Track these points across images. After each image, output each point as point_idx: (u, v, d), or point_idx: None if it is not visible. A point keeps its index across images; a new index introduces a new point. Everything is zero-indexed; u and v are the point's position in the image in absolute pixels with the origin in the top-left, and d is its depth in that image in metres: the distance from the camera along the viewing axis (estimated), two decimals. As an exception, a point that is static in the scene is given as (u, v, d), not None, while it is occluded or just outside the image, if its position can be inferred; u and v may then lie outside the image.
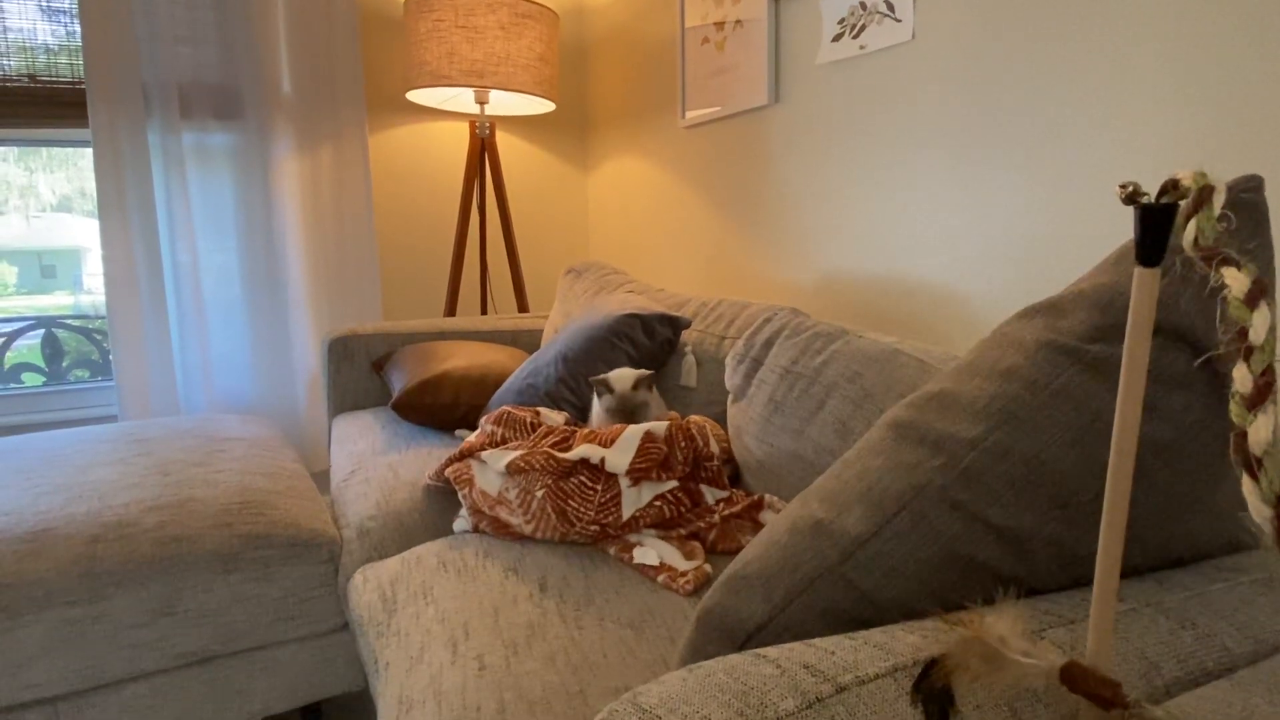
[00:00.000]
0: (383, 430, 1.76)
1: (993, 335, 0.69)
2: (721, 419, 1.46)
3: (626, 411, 1.35)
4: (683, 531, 1.11)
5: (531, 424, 1.33)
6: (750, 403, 1.29)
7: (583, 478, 1.13)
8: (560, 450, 1.19)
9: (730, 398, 1.39)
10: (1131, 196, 0.42)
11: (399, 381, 1.78)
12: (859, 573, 0.58)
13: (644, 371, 1.38)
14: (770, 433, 1.22)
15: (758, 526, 1.13)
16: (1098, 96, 1.24)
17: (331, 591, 1.21)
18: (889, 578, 0.57)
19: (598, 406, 1.41)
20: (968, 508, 0.57)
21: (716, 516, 1.13)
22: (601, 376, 1.39)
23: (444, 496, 1.34)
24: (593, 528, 1.10)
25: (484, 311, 2.81)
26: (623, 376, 1.39)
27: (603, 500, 1.11)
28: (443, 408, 1.68)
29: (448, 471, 1.26)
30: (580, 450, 1.16)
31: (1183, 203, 0.42)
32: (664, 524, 1.13)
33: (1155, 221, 0.41)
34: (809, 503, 0.66)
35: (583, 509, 1.10)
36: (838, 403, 1.12)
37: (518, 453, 1.19)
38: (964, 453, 0.58)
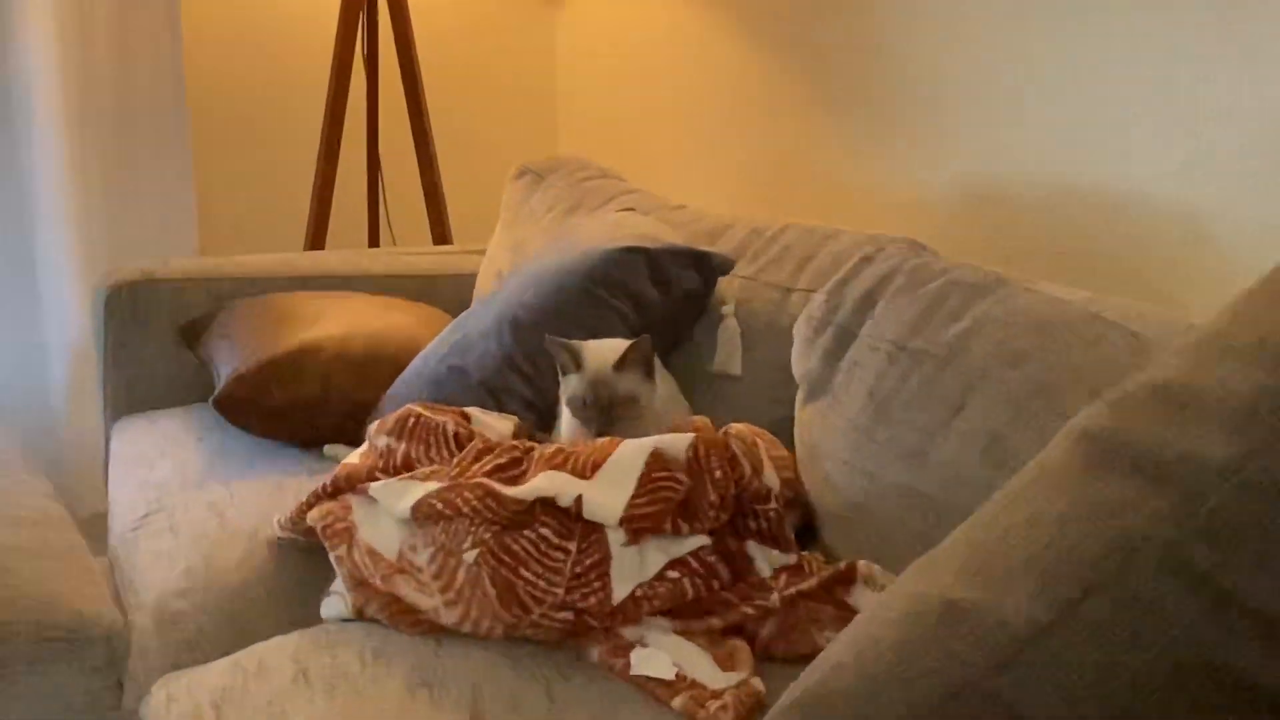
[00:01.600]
0: (200, 445, 1.77)
1: (1262, 287, 0.69)
2: (784, 430, 1.46)
3: (601, 407, 1.36)
4: (717, 623, 1.12)
5: (457, 436, 1.34)
6: (835, 402, 1.31)
7: (545, 530, 1.14)
8: (507, 482, 1.20)
9: (800, 394, 1.41)
10: None
11: (228, 362, 1.79)
12: (1024, 690, 0.58)
13: (634, 341, 1.38)
14: (869, 453, 1.23)
15: (846, 615, 1.13)
16: None
17: (113, 718, 1.22)
18: (1074, 698, 0.57)
19: (567, 411, 1.41)
20: (1214, 581, 0.57)
21: (775, 597, 1.13)
22: (566, 340, 1.40)
23: (305, 558, 1.35)
24: (562, 616, 1.10)
25: (374, 243, 2.81)
26: (601, 348, 1.40)
27: (579, 569, 1.12)
28: (302, 407, 1.70)
29: (311, 516, 1.27)
30: (541, 483, 1.17)
31: None
32: (685, 610, 1.14)
33: None
34: (938, 573, 0.66)
35: (545, 584, 1.11)
36: (987, 402, 1.13)
37: (433, 486, 1.20)
38: (1209, 487, 0.59)
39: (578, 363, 1.38)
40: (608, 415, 1.36)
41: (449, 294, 2.23)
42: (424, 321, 1.94)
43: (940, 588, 0.64)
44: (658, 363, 1.48)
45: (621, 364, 1.37)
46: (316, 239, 2.54)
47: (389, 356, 1.77)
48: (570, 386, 1.38)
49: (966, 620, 0.61)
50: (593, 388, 1.36)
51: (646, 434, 1.37)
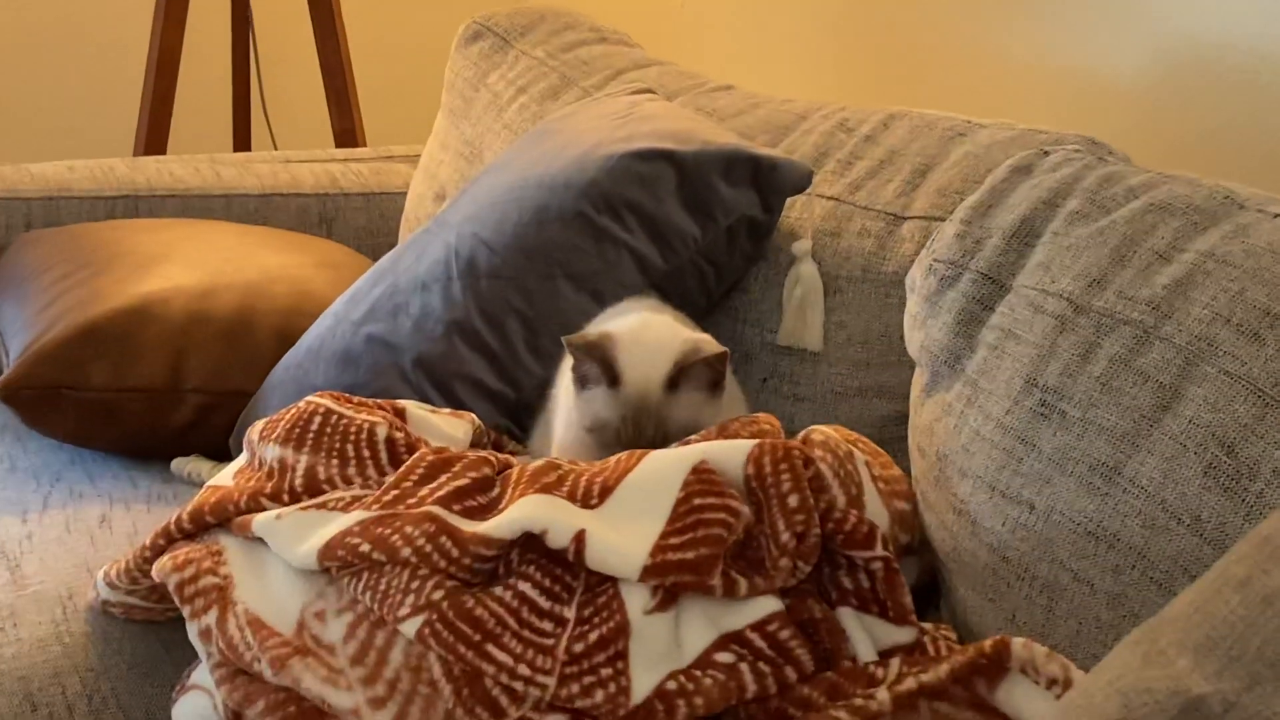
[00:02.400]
0: (-19, 457, 1.80)
1: None
2: (892, 436, 1.46)
3: (641, 444, 1.33)
4: (791, 733, 1.13)
5: (391, 444, 1.34)
6: (974, 393, 1.31)
7: (527, 587, 1.15)
8: (470, 514, 1.20)
9: (919, 380, 1.42)
10: None
11: (20, 329, 1.80)
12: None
13: (701, 340, 1.38)
14: (1029, 471, 1.22)
15: (991, 720, 1.14)
16: None
17: None
18: None
19: (568, 405, 1.41)
20: None
21: (882, 694, 1.13)
22: (587, 335, 1.39)
23: (148, 634, 1.35)
24: (553, 720, 1.12)
25: (243, 145, 2.78)
26: (645, 350, 1.38)
27: (580, 648, 1.12)
28: (139, 398, 1.71)
29: (159, 568, 1.27)
30: (522, 513, 1.17)
31: None
32: (743, 713, 1.13)
33: None
34: (1160, 649, 0.66)
35: (527, 671, 1.11)
36: (1215, 392, 1.12)
37: (354, 518, 1.20)
38: None
39: (611, 375, 1.37)
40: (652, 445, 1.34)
41: (361, 223, 2.23)
42: (325, 265, 1.94)
43: (1169, 671, 0.65)
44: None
45: (677, 382, 1.36)
46: (154, 138, 2.54)
47: (272, 320, 1.76)
48: (594, 407, 1.37)
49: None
50: (633, 418, 1.35)
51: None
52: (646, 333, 1.39)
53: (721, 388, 1.39)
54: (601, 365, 1.36)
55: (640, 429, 1.35)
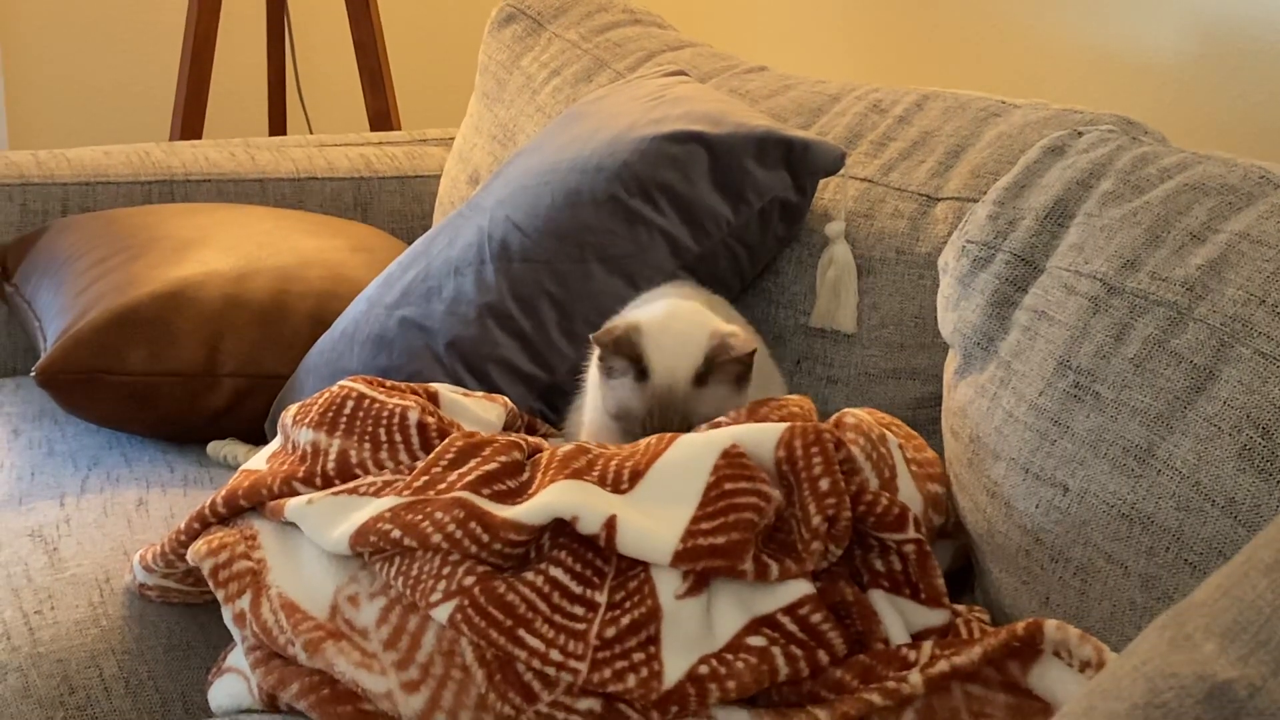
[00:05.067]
0: (16, 441, 1.79)
1: None
2: (925, 418, 1.46)
3: (670, 427, 1.33)
4: (824, 718, 1.11)
5: (423, 428, 1.34)
6: (1007, 374, 1.31)
7: (558, 572, 1.15)
8: (501, 498, 1.20)
9: (951, 362, 1.41)
10: None
11: (57, 313, 1.80)
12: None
13: (729, 336, 1.37)
14: (1062, 453, 1.22)
15: (1026, 705, 1.12)
16: None
17: None
18: None
19: (598, 391, 1.41)
20: None
21: (915, 677, 1.13)
22: (614, 331, 1.38)
23: (184, 617, 1.36)
24: (585, 706, 1.11)
25: (280, 129, 2.79)
26: (673, 344, 1.38)
27: (612, 633, 1.12)
28: (175, 382, 1.71)
29: (194, 552, 1.28)
30: (553, 498, 1.17)
31: None
32: (776, 696, 1.14)
33: None
34: (1187, 633, 0.66)
35: (559, 656, 1.11)
36: (1251, 374, 1.12)
37: (386, 503, 1.20)
38: None
39: (640, 368, 1.37)
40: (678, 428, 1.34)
41: (396, 206, 2.22)
42: (360, 248, 1.94)
43: (1196, 656, 0.64)
44: (739, 316, 1.47)
45: (705, 377, 1.36)
46: (190, 123, 2.54)
47: (307, 304, 1.76)
48: (619, 396, 1.37)
49: (1245, 713, 0.61)
50: (659, 411, 1.36)
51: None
52: (675, 323, 1.39)
53: (748, 380, 1.38)
54: (629, 359, 1.36)
55: (666, 421, 1.35)
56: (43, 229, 2.01)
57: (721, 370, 1.36)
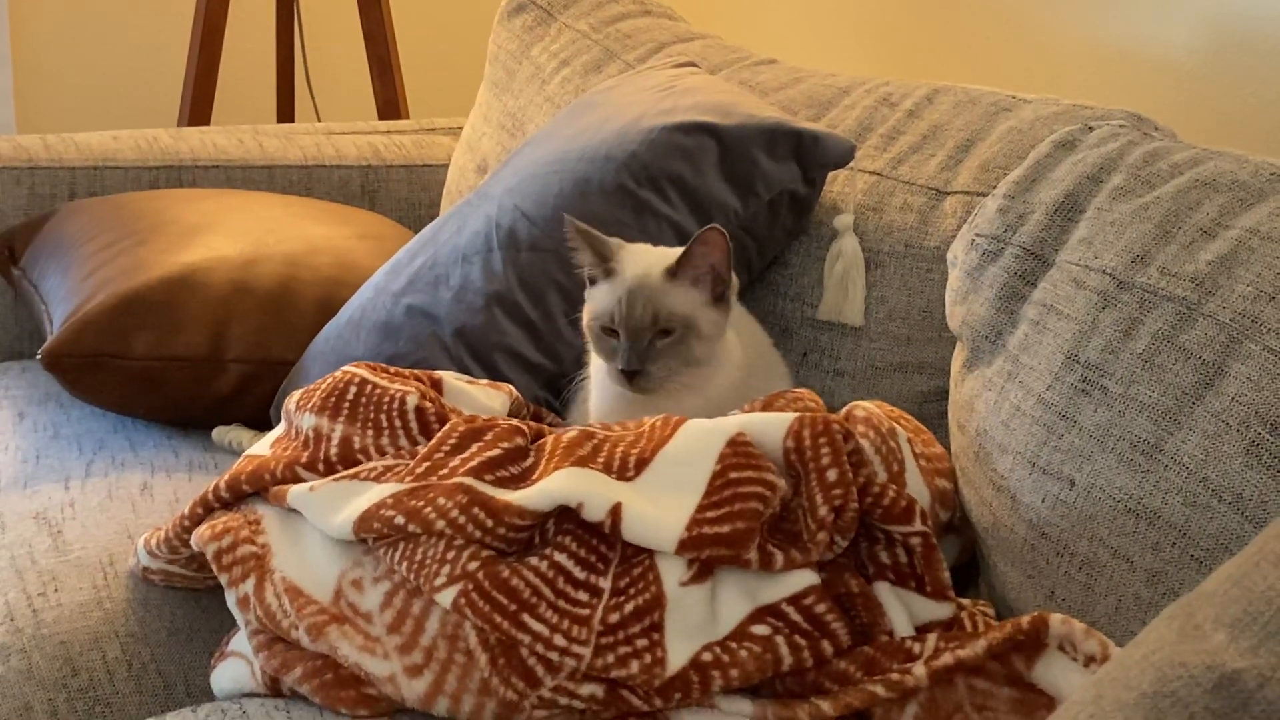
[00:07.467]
0: (22, 424, 1.79)
1: None
2: (933, 412, 1.45)
3: (635, 332, 1.37)
4: (828, 708, 1.11)
5: (422, 414, 1.35)
6: (1015, 368, 1.31)
7: (563, 558, 1.15)
8: (505, 484, 1.20)
9: (959, 355, 1.41)
10: None
11: (64, 297, 1.80)
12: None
13: (699, 233, 1.38)
14: (1070, 448, 1.22)
15: (1029, 699, 1.12)
16: None
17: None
18: None
19: (601, 373, 1.42)
20: None
21: (919, 669, 1.13)
22: (593, 231, 1.41)
23: (187, 601, 1.36)
24: (588, 691, 1.11)
25: (288, 116, 2.79)
26: (649, 251, 1.43)
27: (615, 619, 1.12)
28: (181, 366, 1.71)
29: (198, 536, 1.28)
30: (557, 484, 1.17)
31: None
32: (779, 687, 1.14)
33: None
34: (1196, 623, 0.66)
35: (563, 641, 1.11)
36: (1259, 370, 1.12)
37: (389, 489, 1.21)
38: None
39: (609, 265, 1.38)
40: (645, 348, 1.36)
41: (403, 194, 2.22)
42: (367, 236, 1.94)
43: (1207, 647, 0.64)
44: (739, 307, 1.47)
45: (677, 271, 1.37)
46: (198, 109, 2.54)
47: (314, 291, 1.76)
48: (595, 301, 1.39)
49: (1254, 703, 0.60)
50: (628, 301, 1.36)
51: (716, 408, 1.36)
52: (654, 248, 1.44)
53: (727, 302, 1.41)
54: (599, 253, 1.40)
55: (634, 314, 1.37)
56: (50, 213, 2.01)
57: (692, 264, 1.38)
